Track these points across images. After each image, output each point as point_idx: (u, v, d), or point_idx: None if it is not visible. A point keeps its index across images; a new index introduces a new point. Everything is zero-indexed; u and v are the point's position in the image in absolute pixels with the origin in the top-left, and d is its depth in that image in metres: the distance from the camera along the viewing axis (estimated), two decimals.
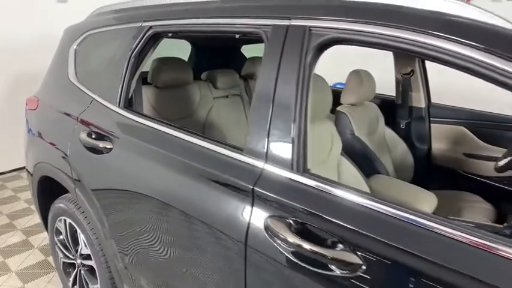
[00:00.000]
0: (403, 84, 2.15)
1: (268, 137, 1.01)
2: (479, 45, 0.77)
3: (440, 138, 2.18)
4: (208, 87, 2.31)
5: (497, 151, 1.99)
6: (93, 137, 1.52)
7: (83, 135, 1.56)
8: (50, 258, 2.40)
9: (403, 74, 2.13)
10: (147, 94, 1.89)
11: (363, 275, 0.79)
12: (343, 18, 0.96)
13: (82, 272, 1.87)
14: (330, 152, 1.54)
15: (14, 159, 3.71)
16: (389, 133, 2.16)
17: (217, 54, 2.80)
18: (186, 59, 2.89)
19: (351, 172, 1.55)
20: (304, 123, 1.00)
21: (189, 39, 2.77)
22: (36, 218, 2.89)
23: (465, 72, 0.80)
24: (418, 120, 2.19)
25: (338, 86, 3.16)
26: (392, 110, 2.24)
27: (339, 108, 1.98)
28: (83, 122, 1.62)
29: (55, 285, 2.18)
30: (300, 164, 0.97)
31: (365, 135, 1.97)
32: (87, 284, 1.85)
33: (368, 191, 1.51)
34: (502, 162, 1.59)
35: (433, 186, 1.97)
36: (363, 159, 1.85)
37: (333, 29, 0.98)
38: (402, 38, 0.87)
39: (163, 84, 1.91)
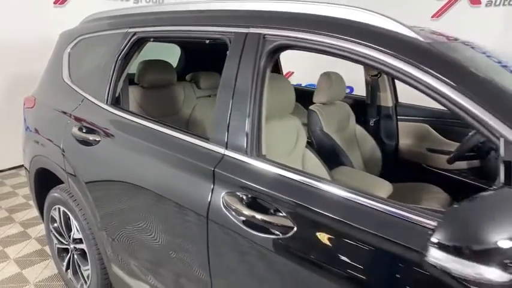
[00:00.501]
0: (372, 85, 2.34)
1: (228, 128, 1.20)
2: (388, 50, 0.95)
3: (407, 135, 2.36)
4: (192, 88, 2.49)
5: (457, 146, 2.18)
6: (84, 131, 1.71)
7: (75, 130, 1.74)
8: (46, 248, 2.56)
9: (371, 75, 2.32)
10: (134, 93, 2.08)
11: (294, 235, 0.98)
12: (290, 27, 1.15)
13: (75, 256, 2.04)
14: (296, 144, 1.72)
15: (13, 158, 3.86)
16: (360, 130, 2.34)
17: (205, 57, 2.98)
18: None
19: (314, 163, 1.73)
20: (259, 116, 1.18)
21: (179, 44, 2.95)
22: (33, 212, 3.06)
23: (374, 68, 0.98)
24: (386, 118, 2.38)
25: None
26: (362, 109, 2.42)
27: (310, 107, 2.16)
28: (75, 118, 1.80)
29: (51, 270, 2.35)
30: (253, 150, 1.15)
31: (334, 132, 2.15)
32: (79, 267, 2.03)
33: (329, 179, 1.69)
34: (451, 155, 1.79)
35: (400, 178, 2.15)
36: (330, 153, 2.03)
37: (281, 36, 1.16)
38: (334, 45, 1.05)
39: (148, 84, 2.10)
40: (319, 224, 0.96)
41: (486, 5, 4.42)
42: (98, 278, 1.86)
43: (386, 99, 2.34)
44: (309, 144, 1.94)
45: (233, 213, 1.09)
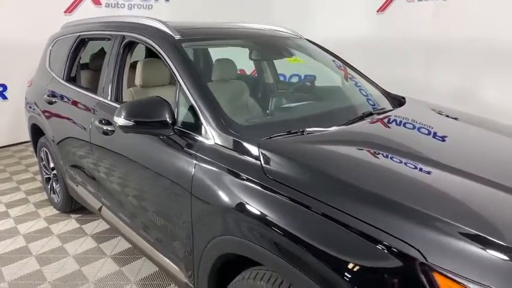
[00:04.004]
0: (257, 68, 3.24)
1: (103, 88, 2.22)
2: (148, 36, 1.91)
3: None
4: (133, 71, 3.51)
5: None
6: (49, 96, 2.80)
7: (45, 96, 2.84)
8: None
9: (255, 60, 3.21)
10: (87, 74, 3.13)
11: (115, 134, 1.98)
12: (131, 32, 2.13)
13: (53, 181, 3.17)
14: None
15: None
16: None
17: None
18: None
19: None
20: (119, 81, 2.17)
21: None
22: None
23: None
24: (270, 92, 3.27)
25: None
26: (255, 85, 3.33)
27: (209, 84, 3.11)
28: (47, 89, 2.90)
29: (44, 196, 3.51)
30: (112, 97, 2.15)
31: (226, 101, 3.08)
32: (54, 188, 3.15)
33: None
34: None
35: None
36: None
37: (130, 36, 2.15)
38: (142, 40, 2.02)
39: (95, 68, 3.14)
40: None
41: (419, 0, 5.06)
42: (62, 190, 2.96)
43: (268, 78, 3.23)
44: None
45: (98, 129, 2.11)
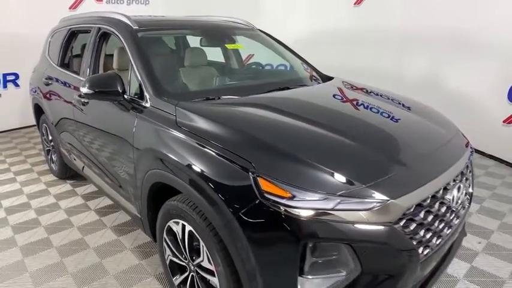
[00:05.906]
0: (224, 54, 3.72)
1: (83, 71, 2.76)
2: (117, 29, 2.43)
3: None
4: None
5: None
6: (47, 78, 3.37)
7: (43, 78, 3.41)
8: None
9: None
10: (78, 61, 3.69)
11: (88, 105, 2.52)
12: (104, 25, 2.66)
13: (52, 153, 3.76)
14: None
15: None
16: None
17: None
18: None
19: None
20: (95, 66, 2.70)
21: None
22: None
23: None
24: (236, 76, 3.75)
25: None
26: (223, 70, 3.82)
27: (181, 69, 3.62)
28: (45, 74, 3.47)
29: (46, 167, 4.11)
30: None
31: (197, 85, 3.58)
32: (53, 158, 3.74)
33: None
34: None
35: None
36: None
37: (104, 28, 2.67)
38: (108, 29, 2.54)
39: None
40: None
41: None
42: (58, 158, 3.54)
43: (234, 64, 3.71)
44: None
45: (78, 102, 2.65)
